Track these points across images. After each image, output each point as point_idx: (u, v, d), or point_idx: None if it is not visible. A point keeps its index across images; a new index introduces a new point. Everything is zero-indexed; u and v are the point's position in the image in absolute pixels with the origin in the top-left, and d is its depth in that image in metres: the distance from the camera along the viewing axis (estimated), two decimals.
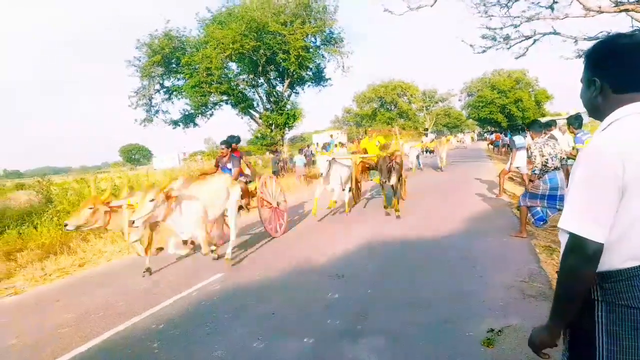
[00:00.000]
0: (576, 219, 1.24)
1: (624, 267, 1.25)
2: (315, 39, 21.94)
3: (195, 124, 23.67)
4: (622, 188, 1.20)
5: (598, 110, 1.40)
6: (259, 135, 23.72)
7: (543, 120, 7.44)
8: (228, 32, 19.07)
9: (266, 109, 23.00)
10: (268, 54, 20.32)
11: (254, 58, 20.42)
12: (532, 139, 6.14)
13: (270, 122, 22.48)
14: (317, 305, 4.31)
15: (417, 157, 18.94)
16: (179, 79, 22.33)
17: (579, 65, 1.46)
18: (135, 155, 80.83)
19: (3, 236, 8.77)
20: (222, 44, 19.11)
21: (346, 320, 3.90)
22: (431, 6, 13.31)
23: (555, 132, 9.02)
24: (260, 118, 23.19)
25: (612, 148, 1.22)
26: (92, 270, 7.15)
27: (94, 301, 5.30)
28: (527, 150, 6.19)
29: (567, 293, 1.30)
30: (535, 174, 5.89)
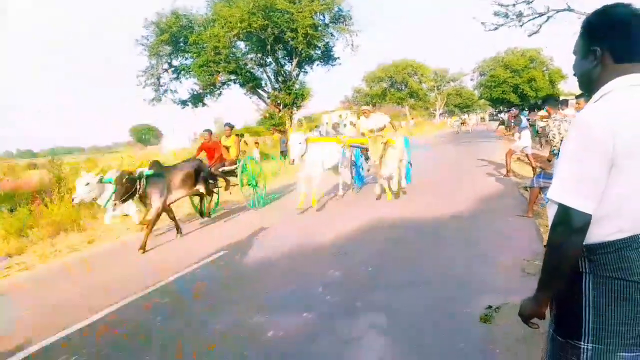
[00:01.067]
0: (565, 190, 1.24)
1: (611, 239, 1.25)
2: (324, 17, 21.61)
3: (204, 104, 23.65)
4: (612, 161, 1.19)
5: (593, 81, 1.38)
6: (267, 115, 23.64)
7: None
8: (236, 10, 18.86)
9: (274, 89, 22.86)
10: (276, 32, 20.08)
11: (262, 37, 20.21)
12: (550, 115, 6.01)
13: (279, 101, 22.39)
14: (318, 282, 4.35)
15: (354, 164, 9.49)
16: (186, 58, 22.25)
17: None
18: (146, 135, 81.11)
19: (15, 213, 8.94)
20: (230, 22, 18.94)
21: (346, 297, 3.94)
22: None
23: (568, 110, 8.89)
24: (268, 98, 23.09)
25: (603, 121, 1.20)
26: (101, 247, 7.29)
27: (102, 276, 5.42)
28: (545, 129, 6.08)
29: (554, 264, 1.30)
30: (555, 153, 5.79)
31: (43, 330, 3.90)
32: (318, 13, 20.44)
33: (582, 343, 1.28)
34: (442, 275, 4.25)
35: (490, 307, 3.40)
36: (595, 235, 1.25)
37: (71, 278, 5.58)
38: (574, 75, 1.47)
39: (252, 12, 18.87)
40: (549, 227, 1.32)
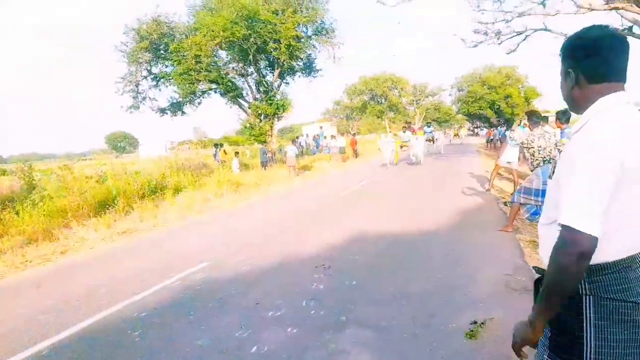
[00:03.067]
0: (576, 212, 1.18)
1: (612, 260, 1.24)
2: (307, 29, 21.73)
3: (183, 112, 23.34)
4: (618, 181, 1.18)
5: (576, 102, 1.40)
6: (248, 125, 23.50)
7: None
8: (218, 19, 18.76)
9: (255, 99, 22.75)
10: (258, 42, 20.04)
11: (244, 46, 20.13)
12: (530, 130, 6.10)
13: (260, 112, 22.26)
14: (302, 296, 4.29)
15: None
16: (167, 66, 21.96)
17: None
18: (121, 143, 79.77)
19: None
20: (212, 31, 18.81)
21: (330, 311, 3.88)
22: None
23: (547, 127, 9.07)
24: (249, 108, 22.95)
25: (613, 141, 1.19)
26: (74, 257, 7.03)
27: (75, 289, 5.21)
28: (521, 145, 6.18)
29: (559, 288, 1.24)
30: (531, 169, 5.91)
31: (10, 347, 3.72)
32: (301, 25, 20.54)
33: None
34: (426, 289, 4.24)
35: (475, 322, 3.40)
36: (596, 256, 1.22)
37: (42, 290, 5.35)
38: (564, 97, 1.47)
39: (235, 21, 18.81)
40: (553, 249, 1.24)
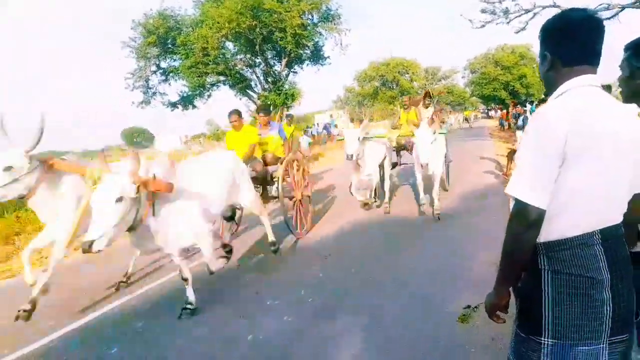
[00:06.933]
0: (520, 184, 1.28)
1: (567, 236, 1.28)
2: (312, 17, 21.54)
3: (194, 106, 23.49)
4: (564, 155, 1.22)
5: (551, 84, 1.43)
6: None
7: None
8: (223, 10, 18.75)
9: (264, 89, 22.76)
10: (265, 32, 19.98)
11: (251, 37, 20.10)
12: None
13: (269, 102, 22.27)
14: (301, 285, 4.34)
15: None
16: (175, 60, 22.09)
17: None
18: (138, 138, 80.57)
19: (1, 219, 8.82)
20: (218, 23, 18.83)
21: (328, 299, 3.94)
22: None
23: None
24: (258, 99, 22.97)
25: (556, 117, 1.24)
26: (77, 257, 7.19)
27: (87, 280, 5.36)
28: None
29: (510, 257, 1.37)
30: None
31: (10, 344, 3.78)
32: (306, 12, 20.37)
33: (542, 338, 1.32)
34: (425, 275, 4.26)
35: (468, 306, 3.41)
36: (553, 232, 1.29)
37: (58, 283, 5.50)
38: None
39: (240, 12, 18.76)
40: (508, 220, 1.35)
